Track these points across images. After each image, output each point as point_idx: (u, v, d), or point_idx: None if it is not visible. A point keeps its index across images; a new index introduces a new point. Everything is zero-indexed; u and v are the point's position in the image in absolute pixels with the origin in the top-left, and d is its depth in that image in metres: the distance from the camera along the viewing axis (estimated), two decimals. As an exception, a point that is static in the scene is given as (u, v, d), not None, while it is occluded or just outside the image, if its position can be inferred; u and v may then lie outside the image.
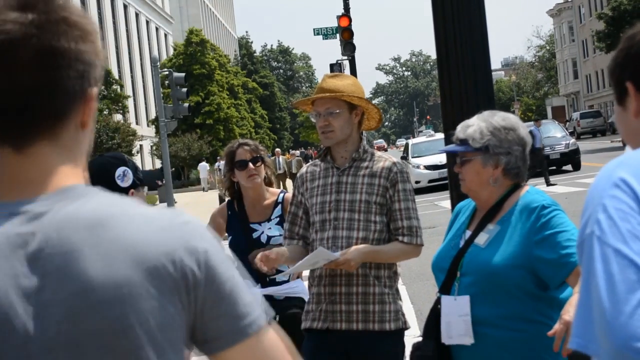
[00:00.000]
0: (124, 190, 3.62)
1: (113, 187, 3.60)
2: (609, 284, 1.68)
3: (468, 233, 3.51)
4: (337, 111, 4.29)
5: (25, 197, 1.47)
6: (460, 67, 4.95)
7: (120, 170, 3.62)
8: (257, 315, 1.51)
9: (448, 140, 4.61)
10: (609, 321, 1.66)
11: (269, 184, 5.44)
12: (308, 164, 4.67)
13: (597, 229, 1.75)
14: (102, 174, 3.62)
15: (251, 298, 1.52)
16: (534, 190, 3.49)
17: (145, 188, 3.88)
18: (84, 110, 1.54)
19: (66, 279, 1.41)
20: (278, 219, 5.31)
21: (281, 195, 5.45)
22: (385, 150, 76.95)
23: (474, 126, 3.47)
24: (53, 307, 1.40)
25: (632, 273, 1.67)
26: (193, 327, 1.48)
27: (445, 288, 3.46)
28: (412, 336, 6.98)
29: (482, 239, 3.42)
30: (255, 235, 5.29)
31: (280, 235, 5.19)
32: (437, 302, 3.49)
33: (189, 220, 1.51)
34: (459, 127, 3.54)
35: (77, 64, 1.50)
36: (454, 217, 3.74)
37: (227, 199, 5.58)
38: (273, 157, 34.81)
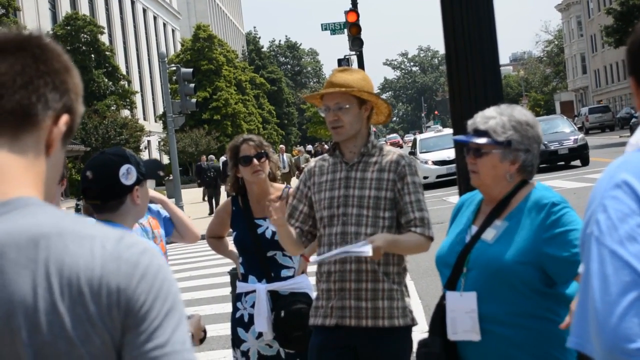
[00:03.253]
0: (129, 188, 3.61)
1: (118, 185, 3.59)
2: (603, 284, 1.69)
3: (474, 228, 3.46)
4: (347, 106, 4.27)
5: None
6: (468, 62, 4.92)
7: (124, 168, 3.60)
8: (177, 349, 1.42)
9: (458, 134, 4.58)
10: (601, 322, 1.67)
11: (273, 179, 5.44)
12: (317, 157, 4.64)
13: (596, 230, 1.77)
14: (106, 173, 3.60)
15: (168, 333, 1.43)
16: (542, 186, 3.44)
17: (149, 182, 3.85)
18: (52, 132, 1.53)
19: None
20: None
21: (285, 190, 5.44)
22: (401, 146, 76.77)
23: (496, 119, 3.39)
24: None
25: (626, 275, 1.67)
26: (118, 353, 1.42)
27: (451, 284, 3.42)
28: (420, 332, 6.97)
29: (489, 234, 3.38)
30: (259, 230, 5.29)
31: (285, 230, 5.19)
32: (443, 297, 3.46)
33: (131, 243, 1.46)
34: (479, 118, 3.44)
35: (53, 78, 1.53)
36: (457, 210, 3.68)
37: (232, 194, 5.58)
38: (277, 155, 34.34)
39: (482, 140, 3.38)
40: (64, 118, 1.55)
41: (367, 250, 3.87)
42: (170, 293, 1.45)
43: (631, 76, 1.97)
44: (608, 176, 1.83)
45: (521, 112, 3.44)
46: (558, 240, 3.21)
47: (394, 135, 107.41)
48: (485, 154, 3.39)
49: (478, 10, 4.93)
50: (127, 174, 3.60)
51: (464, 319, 3.33)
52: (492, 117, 3.40)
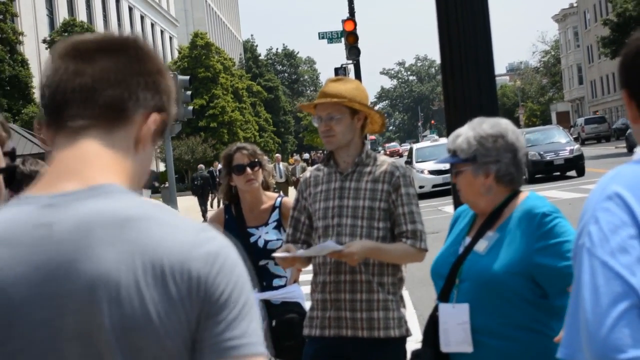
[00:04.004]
0: None
1: None
2: (593, 295, 1.71)
3: (468, 240, 3.47)
4: (338, 116, 4.27)
5: (60, 189, 1.54)
6: (464, 73, 4.93)
7: None
8: (245, 342, 1.50)
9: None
10: (591, 332, 1.69)
11: (266, 188, 5.43)
12: (312, 167, 4.64)
13: (587, 241, 1.79)
14: None
15: (247, 322, 1.51)
16: (534, 196, 3.44)
17: (144, 191, 3.84)
18: (142, 129, 1.64)
19: (78, 273, 1.45)
20: (275, 223, 5.30)
21: (279, 199, 5.44)
22: (400, 155, 76.81)
23: (462, 136, 3.43)
24: (64, 298, 1.45)
25: (617, 286, 1.69)
26: (193, 337, 1.50)
27: (444, 295, 3.42)
28: (415, 342, 6.94)
29: (481, 246, 3.38)
30: (252, 239, 5.28)
31: (278, 239, 5.19)
32: (436, 309, 3.45)
33: (207, 234, 1.54)
34: (450, 138, 3.50)
35: (147, 79, 1.65)
36: (454, 221, 3.70)
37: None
38: (272, 164, 33.18)
39: (452, 160, 3.45)
40: (154, 117, 1.65)
41: (341, 247, 3.99)
42: (245, 287, 1.54)
43: (624, 89, 1.98)
44: (600, 188, 1.85)
45: (489, 125, 3.44)
46: (549, 251, 3.21)
47: (394, 144, 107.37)
48: (460, 173, 3.44)
49: (474, 20, 4.94)
50: None
51: (457, 331, 3.33)
52: (459, 135, 3.44)
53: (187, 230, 1.52)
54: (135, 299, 1.45)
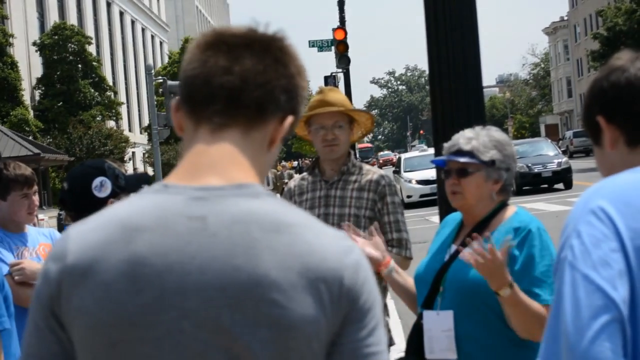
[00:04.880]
0: (103, 201, 3.58)
1: (91, 197, 3.56)
2: (574, 308, 1.72)
3: (453, 247, 3.46)
4: (343, 125, 4.35)
5: (205, 182, 1.58)
6: (452, 84, 4.94)
7: (97, 181, 3.58)
8: (381, 349, 1.57)
9: (439, 154, 4.59)
10: (572, 345, 1.69)
11: None
12: (295, 177, 4.66)
13: (569, 254, 1.80)
14: (79, 184, 3.59)
15: (382, 332, 1.59)
16: (523, 212, 3.43)
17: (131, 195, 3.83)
18: (277, 129, 1.67)
19: (235, 269, 1.49)
20: None
21: None
22: (394, 164, 76.83)
23: (479, 139, 3.40)
24: (216, 291, 1.48)
25: (598, 299, 1.71)
26: (332, 341, 1.54)
27: (428, 302, 3.41)
28: (398, 351, 6.93)
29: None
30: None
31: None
32: (420, 317, 3.44)
33: (351, 243, 1.60)
34: (461, 139, 3.43)
35: (289, 82, 1.68)
36: (439, 229, 3.69)
37: None
38: None
39: (467, 160, 3.38)
40: (290, 119, 1.68)
41: None
42: (379, 297, 1.61)
43: (599, 117, 2.04)
44: (583, 202, 1.87)
45: (498, 132, 3.47)
46: (526, 273, 3.18)
47: (387, 152, 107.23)
48: (471, 174, 3.39)
49: (462, 30, 4.95)
50: (101, 187, 3.58)
51: (441, 338, 3.32)
52: (474, 138, 3.41)
53: (335, 238, 1.58)
54: (290, 301, 1.48)
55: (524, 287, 3.15)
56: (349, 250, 1.57)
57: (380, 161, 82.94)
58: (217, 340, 1.48)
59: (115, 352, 1.49)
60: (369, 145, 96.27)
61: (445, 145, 3.51)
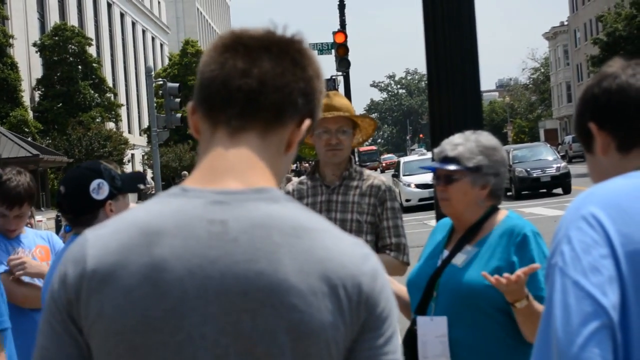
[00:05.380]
0: (100, 203, 3.58)
1: (88, 200, 3.57)
2: (564, 314, 1.73)
3: (446, 253, 3.46)
4: (348, 130, 4.38)
5: (224, 186, 1.57)
6: (450, 89, 4.95)
7: (94, 183, 3.58)
8: (397, 357, 1.57)
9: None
10: (562, 351, 1.70)
11: None
12: (294, 181, 4.65)
13: (560, 260, 1.81)
14: (77, 187, 3.59)
15: (397, 340, 1.59)
16: (514, 215, 3.44)
17: (128, 196, 3.83)
18: (295, 132, 1.66)
19: (256, 274, 1.48)
20: None
21: None
22: None
23: (464, 145, 3.40)
24: (238, 296, 1.48)
25: (588, 305, 1.71)
26: (349, 347, 1.54)
27: (421, 308, 3.41)
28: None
29: (459, 259, 3.37)
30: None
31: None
32: (413, 322, 3.43)
33: (369, 251, 1.60)
34: (447, 146, 3.45)
35: (306, 84, 1.65)
36: (432, 234, 3.69)
37: None
38: None
39: (452, 167, 3.39)
40: (307, 122, 1.67)
41: None
42: (395, 305, 1.61)
43: (591, 123, 2.06)
44: (574, 208, 1.88)
45: (487, 137, 3.46)
46: (536, 279, 3.17)
47: (391, 155, 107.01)
48: (456, 181, 3.40)
49: (461, 37, 4.96)
50: (98, 189, 3.58)
51: (435, 344, 3.31)
52: (460, 144, 3.41)
53: (353, 244, 1.58)
54: (310, 307, 1.48)
55: (533, 294, 3.15)
56: (367, 258, 1.57)
57: (384, 164, 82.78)
58: (238, 345, 1.47)
59: (137, 357, 1.49)
60: (373, 148, 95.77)
61: (435, 151, 3.53)
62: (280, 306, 1.47)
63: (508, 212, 3.45)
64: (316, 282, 1.49)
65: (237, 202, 1.54)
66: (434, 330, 3.32)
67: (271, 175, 1.62)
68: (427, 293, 3.40)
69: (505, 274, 3.05)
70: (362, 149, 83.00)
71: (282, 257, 1.49)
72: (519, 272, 3.03)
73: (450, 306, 3.32)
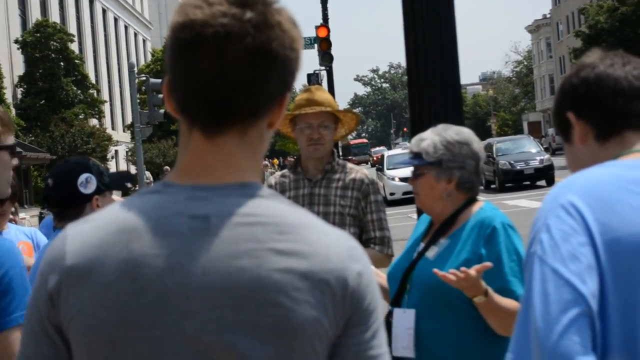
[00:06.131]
0: (88, 197, 3.60)
1: (76, 193, 3.58)
2: (543, 302, 1.74)
3: (422, 246, 3.50)
4: (330, 124, 4.40)
5: (205, 182, 1.55)
6: (430, 81, 4.96)
7: (82, 177, 3.59)
8: (383, 351, 1.57)
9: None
10: (541, 339, 1.71)
11: None
12: (276, 174, 4.67)
13: (539, 249, 1.81)
14: (65, 180, 3.60)
15: (383, 334, 1.58)
16: (489, 206, 3.46)
17: (114, 193, 3.85)
18: (276, 113, 1.60)
19: (238, 270, 1.47)
20: None
21: None
22: None
23: (428, 140, 3.45)
24: (215, 292, 1.47)
25: (567, 293, 1.72)
26: (335, 343, 1.53)
27: (397, 300, 3.45)
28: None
29: (432, 252, 3.41)
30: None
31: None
32: (389, 314, 3.46)
33: (355, 244, 1.59)
34: (413, 141, 3.53)
35: (282, 70, 1.56)
36: (415, 227, 3.73)
37: None
38: None
39: (415, 162, 3.47)
40: (286, 99, 1.62)
41: None
42: (381, 300, 1.61)
43: (569, 113, 2.07)
44: (552, 197, 1.89)
45: (455, 131, 3.48)
46: (494, 269, 3.17)
47: (382, 148, 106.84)
48: (421, 175, 3.46)
49: (440, 31, 4.97)
50: (86, 183, 3.59)
51: (403, 336, 3.35)
52: (425, 139, 3.47)
53: (340, 239, 1.57)
54: (293, 303, 1.47)
55: (497, 286, 3.17)
56: (353, 251, 1.56)
57: (375, 157, 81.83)
58: (220, 341, 1.46)
59: (116, 352, 1.49)
60: (364, 140, 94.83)
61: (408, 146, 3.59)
62: (263, 302, 1.46)
63: (483, 204, 3.47)
64: (300, 277, 1.48)
65: (219, 197, 1.53)
66: (404, 323, 3.36)
67: (253, 170, 1.60)
68: (402, 285, 3.44)
69: (452, 270, 3.08)
70: (352, 141, 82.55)
71: (264, 253, 1.48)
72: (471, 270, 3.05)
73: (421, 299, 3.35)
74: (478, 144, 3.51)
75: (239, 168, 1.57)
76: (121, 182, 3.84)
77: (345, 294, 1.51)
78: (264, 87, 1.55)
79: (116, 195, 3.92)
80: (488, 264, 3.09)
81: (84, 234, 1.56)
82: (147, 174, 39.28)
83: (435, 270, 3.14)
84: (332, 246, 1.53)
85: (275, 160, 70.05)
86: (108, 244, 1.51)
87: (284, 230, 1.51)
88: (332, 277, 1.50)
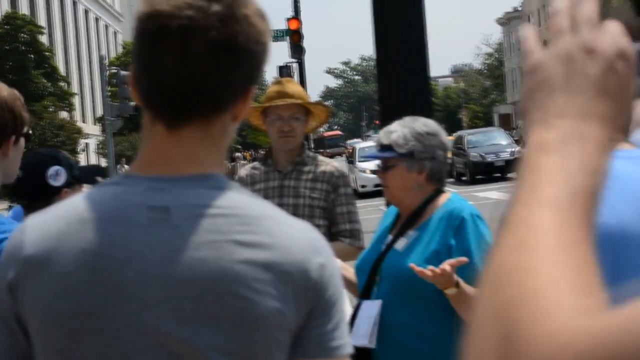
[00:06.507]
0: (57, 190, 3.58)
1: (45, 185, 3.56)
2: None
3: (390, 237, 3.51)
4: (301, 117, 4.39)
5: (166, 173, 1.54)
6: (399, 74, 4.98)
7: (52, 170, 3.57)
8: (345, 342, 1.57)
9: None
10: None
11: None
12: (247, 166, 4.68)
13: None
14: (34, 172, 3.58)
15: (345, 325, 1.59)
16: (457, 197, 3.48)
17: (84, 186, 3.83)
18: (240, 106, 1.59)
19: (199, 261, 1.47)
20: None
21: None
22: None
23: (398, 132, 3.46)
24: (175, 283, 1.47)
25: None
26: (297, 334, 1.54)
27: (366, 292, 3.46)
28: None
29: (401, 244, 3.42)
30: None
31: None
32: (358, 306, 3.47)
33: (318, 236, 1.59)
34: (381, 133, 3.54)
35: (247, 64, 1.54)
36: (382, 220, 3.74)
37: None
38: None
39: (386, 154, 3.46)
40: (252, 91, 1.60)
41: None
42: (343, 291, 1.62)
43: None
44: None
45: (422, 123, 3.51)
46: (472, 263, 3.17)
47: (358, 140, 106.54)
48: (392, 167, 3.47)
49: (409, 23, 4.99)
50: (56, 176, 3.57)
51: (363, 324, 3.35)
52: (394, 131, 3.47)
53: (302, 231, 1.56)
54: (255, 294, 1.46)
55: (467, 276, 3.17)
56: (315, 243, 1.56)
57: (350, 150, 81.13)
58: (179, 332, 1.46)
59: (74, 342, 1.48)
60: (339, 133, 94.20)
61: (376, 139, 3.60)
62: (224, 294, 1.46)
63: (450, 195, 3.49)
64: (262, 269, 1.48)
65: (179, 188, 1.52)
66: (368, 312, 3.37)
67: (215, 162, 1.59)
68: (371, 277, 3.45)
69: (431, 267, 3.09)
70: (327, 133, 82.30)
71: (226, 245, 1.48)
72: (446, 265, 3.07)
73: (391, 290, 3.36)
74: (445, 135, 3.54)
75: (201, 160, 1.56)
76: (91, 176, 3.82)
77: (308, 285, 1.51)
78: (228, 81, 1.53)
79: (87, 189, 3.91)
80: (463, 258, 3.10)
81: (43, 224, 1.55)
82: (127, 167, 39.02)
83: (412, 265, 3.15)
84: (295, 238, 1.53)
85: (247, 153, 69.97)
86: (67, 234, 1.51)
87: (246, 222, 1.50)
88: (294, 268, 1.50)
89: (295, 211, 4.25)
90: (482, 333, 0.73)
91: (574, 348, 0.65)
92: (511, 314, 0.71)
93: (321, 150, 51.99)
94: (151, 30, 1.52)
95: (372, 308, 3.37)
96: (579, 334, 0.66)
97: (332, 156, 45.28)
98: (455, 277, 3.13)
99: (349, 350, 1.57)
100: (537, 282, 0.72)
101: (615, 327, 0.64)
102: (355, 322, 3.39)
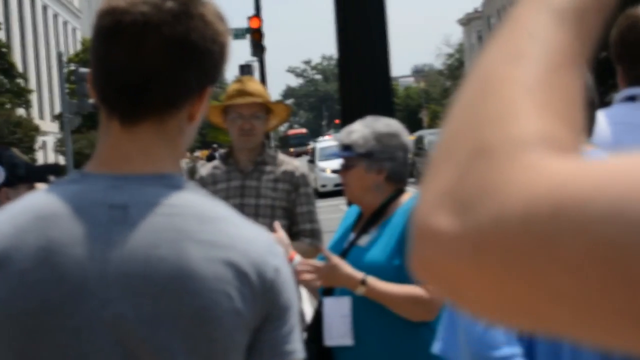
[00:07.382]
0: None
1: None
2: None
3: (352, 236, 3.52)
4: (262, 115, 4.40)
5: (124, 172, 1.55)
6: (360, 73, 4.99)
7: None
8: (298, 347, 1.59)
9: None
10: (468, 330, 1.76)
11: None
12: (207, 165, 4.65)
13: None
14: None
15: (299, 330, 1.62)
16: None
17: (38, 185, 3.77)
18: (196, 105, 1.58)
19: (159, 260, 1.47)
20: None
21: None
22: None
23: (358, 132, 3.47)
24: (134, 281, 1.47)
25: None
26: (253, 337, 1.55)
27: (328, 290, 3.45)
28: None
29: (363, 241, 3.43)
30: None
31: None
32: (320, 304, 3.48)
33: (272, 241, 1.62)
34: (343, 133, 3.56)
35: (202, 62, 1.55)
36: (343, 219, 3.75)
37: None
38: None
39: (345, 154, 3.48)
40: (208, 91, 1.61)
41: None
42: (296, 295, 1.63)
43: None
44: None
45: (384, 123, 3.52)
46: None
47: (326, 138, 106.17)
48: (351, 167, 3.48)
49: (370, 23, 4.99)
50: None
51: (339, 324, 3.35)
52: (355, 131, 3.48)
53: (258, 234, 1.58)
54: (214, 293, 1.47)
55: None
56: (271, 247, 1.58)
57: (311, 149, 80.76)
58: (138, 329, 1.46)
59: (32, 341, 1.47)
60: (303, 131, 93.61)
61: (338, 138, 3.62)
62: (183, 292, 1.47)
63: (412, 195, 3.50)
64: (221, 269, 1.49)
65: (137, 187, 1.53)
66: (338, 310, 3.36)
67: (171, 161, 1.59)
68: None
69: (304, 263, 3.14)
70: (291, 132, 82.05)
71: (184, 243, 1.49)
72: (314, 261, 3.14)
73: None
74: (406, 136, 3.54)
75: (157, 159, 1.57)
76: (42, 175, 3.76)
77: (264, 288, 1.53)
78: (181, 77, 1.55)
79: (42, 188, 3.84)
80: (326, 252, 3.22)
81: (0, 222, 1.54)
82: None
83: (326, 251, 3.24)
84: (250, 240, 1.55)
85: (205, 152, 69.79)
86: (25, 231, 1.50)
87: (204, 222, 1.52)
88: (251, 270, 1.52)
89: (257, 211, 4.25)
90: (454, 138, 0.68)
91: (549, 181, 0.58)
92: (487, 131, 0.65)
93: (286, 149, 51.89)
94: (107, 27, 1.54)
95: (341, 306, 3.35)
96: (557, 173, 0.59)
97: (297, 155, 45.17)
98: (359, 275, 3.16)
99: (301, 355, 1.58)
100: (525, 104, 0.65)
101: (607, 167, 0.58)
102: (325, 321, 3.37)
